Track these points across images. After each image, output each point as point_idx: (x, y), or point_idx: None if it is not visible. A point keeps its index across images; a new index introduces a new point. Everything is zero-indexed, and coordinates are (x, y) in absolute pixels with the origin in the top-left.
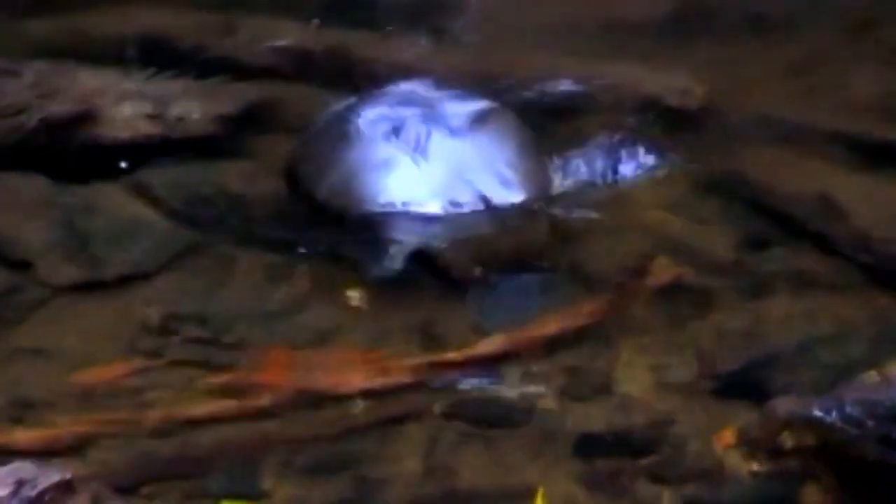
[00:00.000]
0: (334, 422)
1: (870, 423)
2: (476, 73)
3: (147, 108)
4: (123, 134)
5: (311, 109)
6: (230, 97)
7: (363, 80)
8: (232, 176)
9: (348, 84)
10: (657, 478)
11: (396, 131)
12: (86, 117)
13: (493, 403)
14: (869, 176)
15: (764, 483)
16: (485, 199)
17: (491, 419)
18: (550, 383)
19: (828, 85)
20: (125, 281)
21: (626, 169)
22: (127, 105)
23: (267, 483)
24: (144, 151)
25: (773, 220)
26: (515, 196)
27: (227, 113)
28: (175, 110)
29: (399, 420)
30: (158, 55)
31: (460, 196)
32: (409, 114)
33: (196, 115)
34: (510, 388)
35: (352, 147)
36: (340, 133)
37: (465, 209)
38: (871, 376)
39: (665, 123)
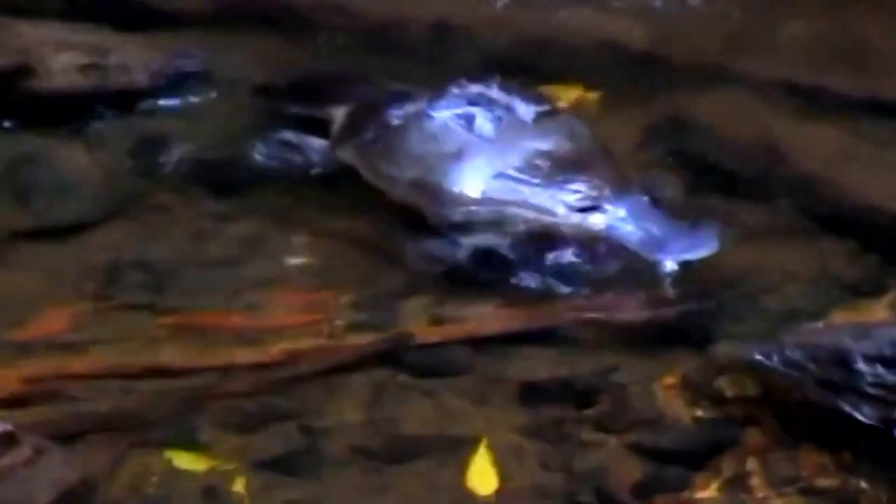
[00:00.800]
0: (277, 373)
1: (810, 366)
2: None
3: (85, 58)
4: (62, 85)
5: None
6: (166, 48)
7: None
8: (171, 125)
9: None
10: (600, 425)
11: (469, 126)
12: (25, 69)
13: (435, 354)
14: (808, 121)
15: (706, 428)
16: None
17: (434, 369)
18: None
19: (767, 31)
20: (69, 230)
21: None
22: (65, 56)
23: (210, 434)
24: (84, 102)
25: (714, 166)
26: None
27: (163, 64)
28: (113, 61)
29: (342, 370)
30: (95, 6)
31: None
32: (481, 112)
33: (134, 66)
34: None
35: (427, 144)
36: (417, 129)
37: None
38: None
39: (612, 67)
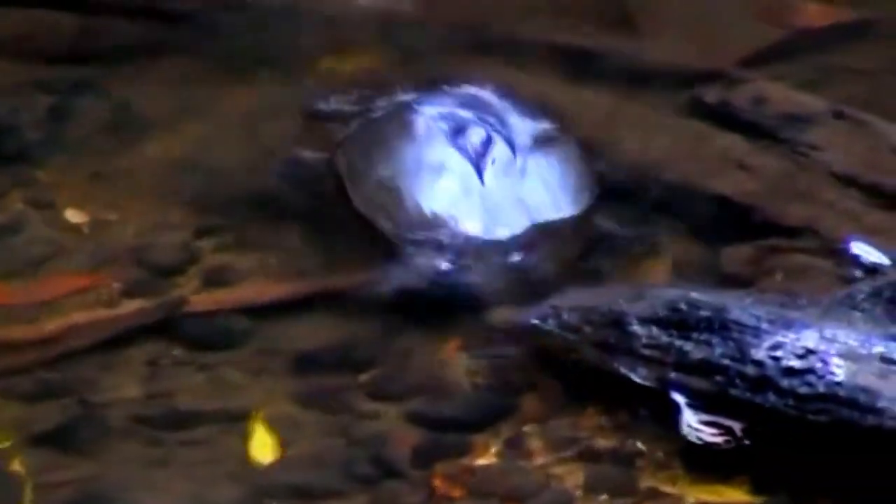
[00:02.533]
0: (50, 349)
1: (586, 329)
2: None
3: None
4: None
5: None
6: None
7: None
8: None
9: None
10: (378, 394)
11: (458, 134)
12: None
13: (210, 324)
14: (581, 86)
15: (485, 394)
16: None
17: (209, 342)
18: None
19: None
20: None
21: None
22: None
23: None
24: None
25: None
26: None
27: None
28: None
29: (118, 344)
30: None
31: (508, 221)
32: (472, 119)
33: None
34: None
35: (407, 144)
36: (397, 127)
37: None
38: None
39: (380, 31)
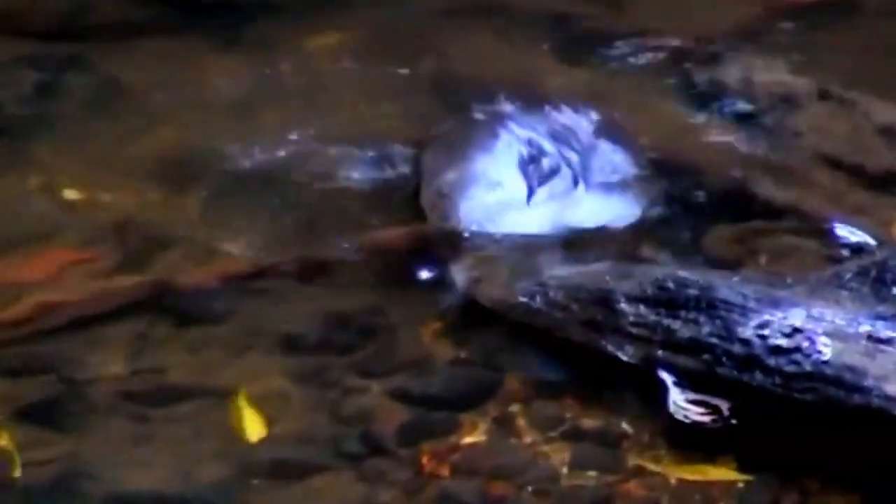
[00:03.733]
0: (36, 325)
1: (574, 306)
2: None
3: None
4: None
5: None
6: None
7: None
8: None
9: None
10: (366, 371)
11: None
12: None
13: (197, 302)
14: (572, 64)
15: (472, 372)
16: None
17: (196, 318)
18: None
19: None
20: None
21: None
22: None
23: None
24: None
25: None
26: None
27: None
28: None
29: (104, 320)
30: None
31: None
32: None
33: None
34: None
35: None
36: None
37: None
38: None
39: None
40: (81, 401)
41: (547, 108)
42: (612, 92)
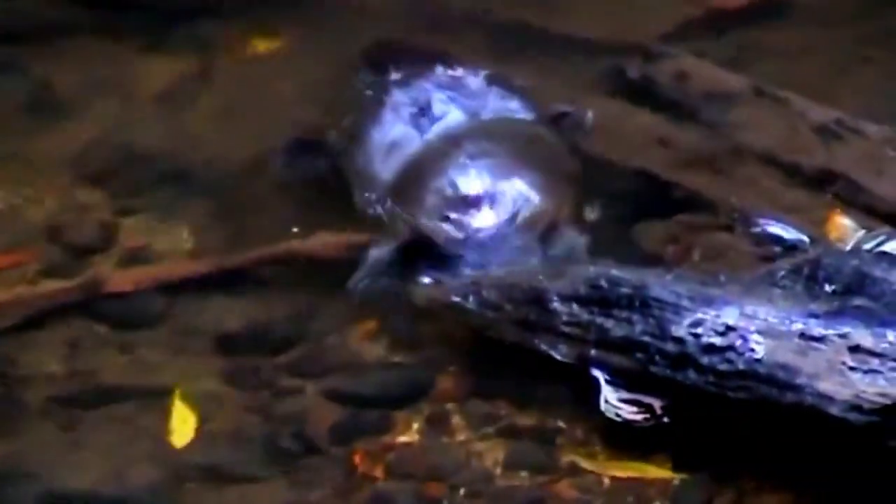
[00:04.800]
0: None
1: (507, 306)
2: None
3: None
4: None
5: None
6: None
7: None
8: None
9: None
10: (298, 371)
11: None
12: None
13: (131, 305)
14: (507, 61)
15: (405, 372)
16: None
17: (130, 321)
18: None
19: None
20: None
21: None
22: None
23: None
24: None
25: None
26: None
27: None
28: None
29: (37, 323)
30: None
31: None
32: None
33: None
34: None
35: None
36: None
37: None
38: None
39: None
40: (15, 403)
41: (474, 96)
42: (542, 88)
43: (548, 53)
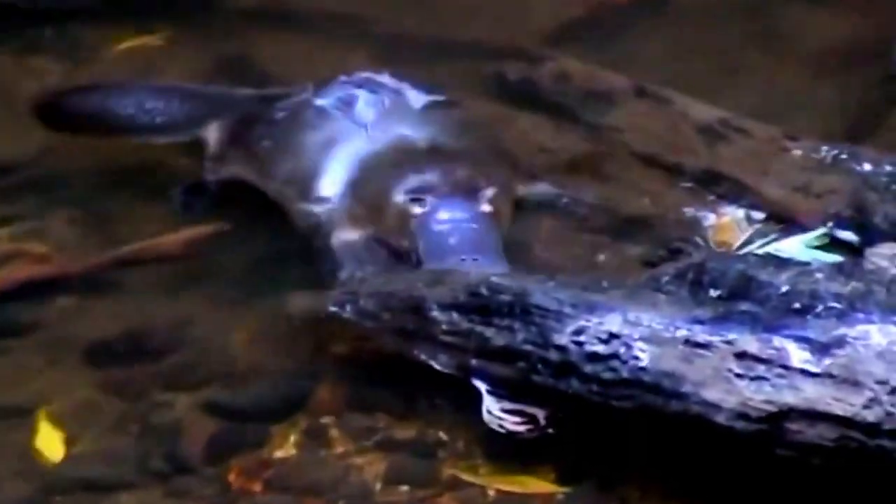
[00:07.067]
0: None
1: (385, 315)
2: None
3: None
4: None
5: None
6: None
7: None
8: None
9: None
10: (174, 383)
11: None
12: None
13: None
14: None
15: (282, 383)
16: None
17: None
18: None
19: None
20: None
21: None
22: None
23: None
24: None
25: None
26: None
27: None
28: None
29: None
30: None
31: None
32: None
33: None
34: None
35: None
36: (297, 120)
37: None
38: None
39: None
40: None
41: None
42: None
43: (424, 57)
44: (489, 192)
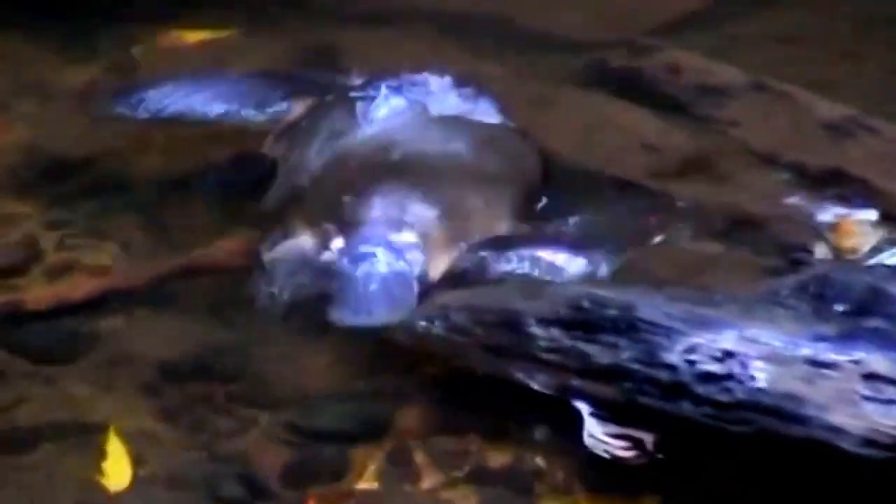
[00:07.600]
0: None
1: (478, 330)
2: None
3: None
4: None
5: None
6: None
7: None
8: None
9: None
10: (245, 406)
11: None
12: None
13: (55, 332)
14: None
15: (361, 404)
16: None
17: (55, 350)
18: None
19: None
20: None
21: None
22: None
23: None
24: None
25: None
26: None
27: None
28: None
29: None
30: None
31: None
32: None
33: None
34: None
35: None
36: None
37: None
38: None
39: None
40: None
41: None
42: (524, 85)
43: (529, 50)
44: (434, 232)
